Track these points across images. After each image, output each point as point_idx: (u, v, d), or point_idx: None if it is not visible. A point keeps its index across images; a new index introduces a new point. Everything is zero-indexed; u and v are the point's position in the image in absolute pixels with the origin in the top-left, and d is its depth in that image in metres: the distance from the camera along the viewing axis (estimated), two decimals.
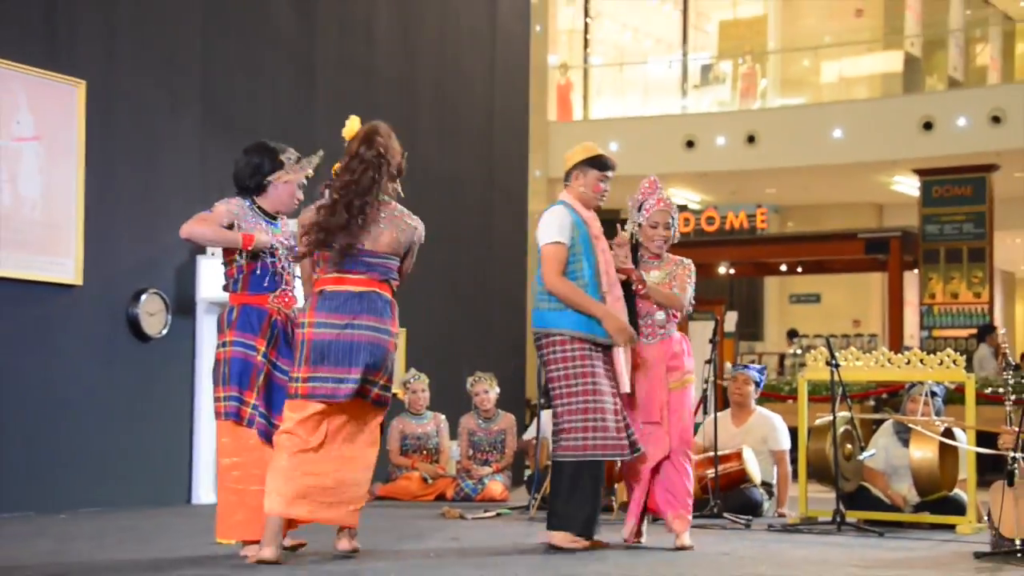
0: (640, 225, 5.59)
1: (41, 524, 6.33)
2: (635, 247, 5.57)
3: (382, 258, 4.77)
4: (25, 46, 6.97)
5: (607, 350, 5.27)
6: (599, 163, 5.36)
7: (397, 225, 4.80)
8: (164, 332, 7.67)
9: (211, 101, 8.16)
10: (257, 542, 4.73)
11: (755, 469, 7.40)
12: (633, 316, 5.41)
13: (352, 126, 4.91)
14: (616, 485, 7.00)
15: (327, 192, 4.79)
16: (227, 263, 4.90)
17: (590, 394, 5.17)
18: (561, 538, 5.19)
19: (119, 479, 7.39)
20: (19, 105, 6.92)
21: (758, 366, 8.18)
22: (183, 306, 7.83)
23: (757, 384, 7.73)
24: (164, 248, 7.75)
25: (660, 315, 5.49)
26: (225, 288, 4.95)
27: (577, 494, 5.18)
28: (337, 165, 4.98)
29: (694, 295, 5.63)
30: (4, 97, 6.83)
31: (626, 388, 5.28)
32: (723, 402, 9.28)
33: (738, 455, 7.34)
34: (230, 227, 4.84)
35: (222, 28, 8.31)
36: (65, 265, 7.13)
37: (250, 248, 4.83)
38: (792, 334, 17.83)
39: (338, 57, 9.34)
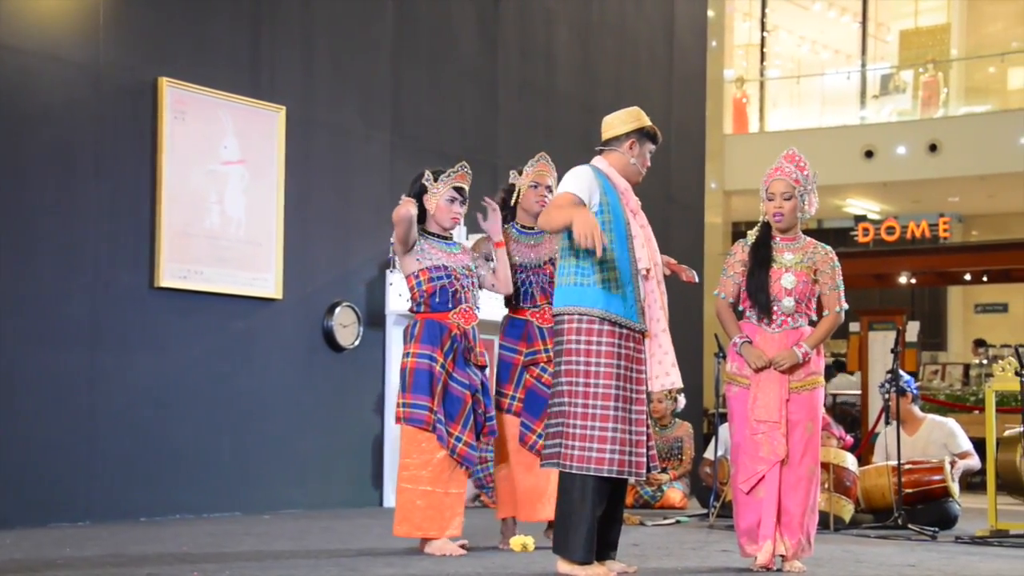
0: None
1: (247, 523, 6.65)
2: None
3: None
4: (232, 77, 7.41)
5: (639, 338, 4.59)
6: (654, 136, 4.85)
7: None
8: (356, 343, 8.03)
9: (400, 125, 8.52)
10: (433, 538, 5.20)
11: (956, 483, 7.34)
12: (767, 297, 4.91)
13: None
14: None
15: None
16: (410, 288, 5.37)
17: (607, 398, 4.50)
18: (563, 565, 4.50)
19: (316, 482, 7.75)
20: (226, 131, 7.33)
21: (905, 374, 8.01)
22: (374, 318, 8.18)
23: (913, 395, 7.72)
24: (357, 264, 8.15)
25: (788, 302, 4.90)
26: (411, 309, 5.45)
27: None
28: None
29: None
30: (213, 124, 7.26)
31: (653, 386, 4.59)
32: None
33: (941, 468, 7.24)
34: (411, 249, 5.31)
35: (411, 56, 8.64)
36: (267, 280, 7.51)
37: (398, 216, 5.17)
38: (980, 343, 17.35)
39: (520, 80, 9.59)
